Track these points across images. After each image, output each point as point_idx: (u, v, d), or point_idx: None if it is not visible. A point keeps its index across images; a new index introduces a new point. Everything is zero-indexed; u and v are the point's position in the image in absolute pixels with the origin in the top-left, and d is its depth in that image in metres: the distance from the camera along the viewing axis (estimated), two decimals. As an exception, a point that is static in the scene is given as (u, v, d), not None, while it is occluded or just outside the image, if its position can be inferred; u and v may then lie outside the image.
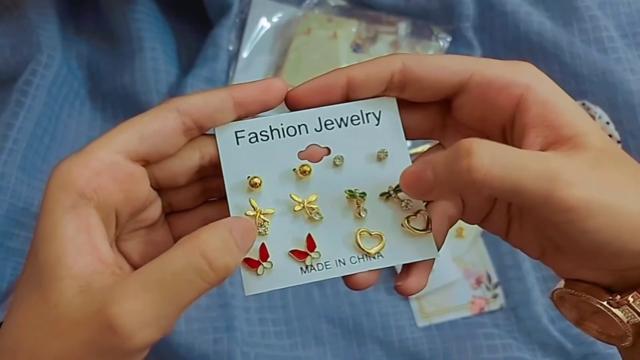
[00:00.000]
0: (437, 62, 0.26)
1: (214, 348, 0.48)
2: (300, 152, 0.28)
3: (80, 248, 0.23)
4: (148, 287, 0.21)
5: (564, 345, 0.49)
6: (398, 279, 0.27)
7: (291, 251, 0.27)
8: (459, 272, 0.53)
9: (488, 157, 0.22)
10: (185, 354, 0.48)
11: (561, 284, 0.27)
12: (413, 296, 0.52)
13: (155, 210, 0.28)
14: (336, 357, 0.50)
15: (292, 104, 0.27)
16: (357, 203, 0.27)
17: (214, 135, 0.27)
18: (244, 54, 0.59)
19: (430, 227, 0.27)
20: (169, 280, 0.22)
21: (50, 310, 0.22)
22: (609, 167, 0.24)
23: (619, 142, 0.52)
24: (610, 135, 0.52)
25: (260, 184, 0.27)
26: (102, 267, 0.23)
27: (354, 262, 0.27)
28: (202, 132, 0.27)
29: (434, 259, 0.28)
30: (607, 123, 0.53)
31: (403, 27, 0.60)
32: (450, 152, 0.23)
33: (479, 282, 0.53)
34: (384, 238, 0.27)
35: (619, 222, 0.23)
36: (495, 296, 0.52)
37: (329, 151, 0.28)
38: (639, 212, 0.23)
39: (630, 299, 0.24)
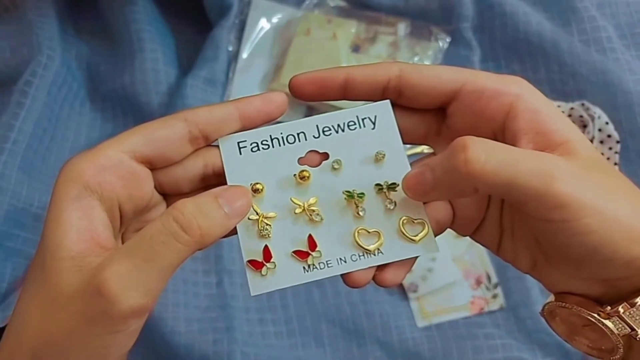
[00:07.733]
0: (432, 71, 0.27)
1: (214, 348, 0.48)
2: (299, 158, 0.29)
3: (81, 233, 0.24)
4: (129, 253, 0.23)
5: (564, 345, 0.49)
6: (377, 269, 0.28)
7: (293, 251, 0.27)
8: (459, 272, 0.53)
9: (484, 151, 0.23)
10: (185, 354, 0.48)
11: (551, 298, 0.28)
12: (413, 296, 0.52)
13: (159, 213, 0.29)
14: (336, 357, 0.50)
15: (292, 90, 0.28)
16: (356, 203, 0.28)
17: (218, 146, 0.28)
18: (244, 54, 0.59)
19: (426, 232, 0.27)
20: (146, 243, 0.23)
21: (51, 288, 0.24)
22: (600, 174, 0.24)
23: (618, 142, 0.52)
24: (609, 136, 0.52)
25: (262, 190, 0.28)
26: (100, 251, 0.24)
27: (354, 259, 0.27)
28: (208, 142, 0.28)
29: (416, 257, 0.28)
30: (606, 123, 0.53)
31: (402, 27, 0.60)
32: (446, 151, 0.24)
33: (478, 282, 0.53)
34: (382, 235, 0.27)
35: (610, 226, 0.23)
36: (495, 296, 0.52)
37: (327, 156, 0.29)
38: (628, 219, 0.23)
39: (621, 310, 0.25)
